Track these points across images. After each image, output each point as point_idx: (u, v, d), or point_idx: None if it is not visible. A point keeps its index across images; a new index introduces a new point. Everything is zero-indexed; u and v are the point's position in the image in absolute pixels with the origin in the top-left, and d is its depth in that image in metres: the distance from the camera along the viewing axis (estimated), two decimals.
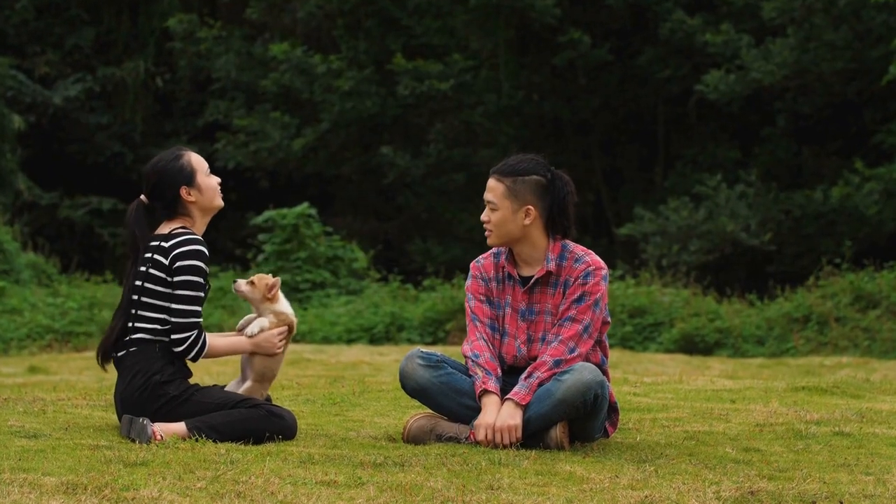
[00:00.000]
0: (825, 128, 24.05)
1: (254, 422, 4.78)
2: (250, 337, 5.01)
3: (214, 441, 4.68)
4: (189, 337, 4.81)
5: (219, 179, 5.00)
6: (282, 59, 25.07)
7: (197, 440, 4.65)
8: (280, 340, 5.05)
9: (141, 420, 4.68)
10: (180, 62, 26.64)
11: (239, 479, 4.03)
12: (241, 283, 5.11)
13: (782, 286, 17.68)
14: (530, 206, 4.96)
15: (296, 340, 16.26)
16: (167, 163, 4.92)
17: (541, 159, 5.04)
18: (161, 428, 4.68)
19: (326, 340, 16.47)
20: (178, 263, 4.79)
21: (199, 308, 4.82)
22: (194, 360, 4.87)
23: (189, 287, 4.79)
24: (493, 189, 5.00)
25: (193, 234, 4.87)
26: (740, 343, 15.62)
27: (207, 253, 4.86)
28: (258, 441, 4.76)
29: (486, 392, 4.89)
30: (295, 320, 5.15)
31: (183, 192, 4.89)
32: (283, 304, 5.12)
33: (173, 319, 4.80)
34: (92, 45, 26.56)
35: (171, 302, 4.80)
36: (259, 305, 5.09)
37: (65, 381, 10.14)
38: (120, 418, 4.89)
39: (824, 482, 4.28)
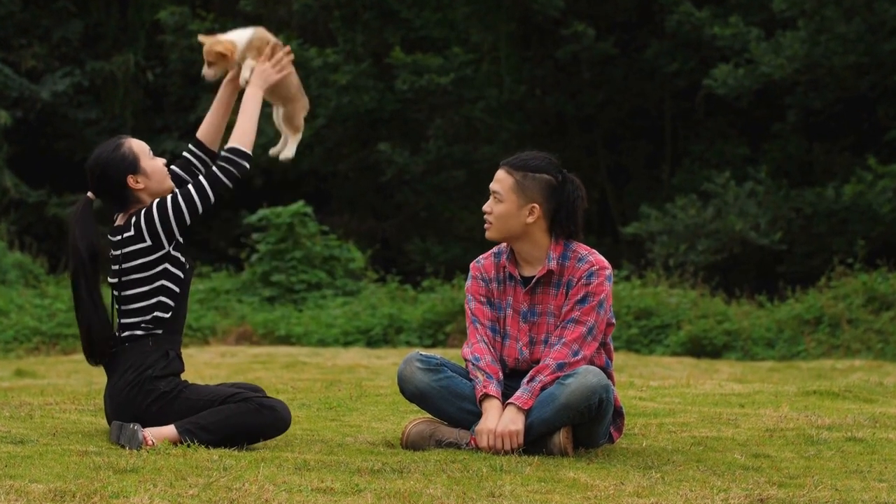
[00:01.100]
0: (837, 123, 24.05)
1: (246, 416, 4.76)
2: (247, 84, 4.98)
3: (206, 443, 4.68)
4: (226, 179, 4.85)
5: (164, 161, 4.97)
6: None
7: (189, 445, 4.65)
8: (274, 64, 5.03)
9: (131, 425, 4.68)
10: (172, 56, 26.64)
11: (232, 486, 4.03)
12: (206, 71, 5.05)
13: (793, 287, 17.69)
14: (536, 205, 4.97)
15: (291, 343, 16.27)
16: (108, 154, 4.90)
17: (554, 159, 5.05)
18: (152, 433, 4.68)
19: (322, 343, 16.47)
20: (153, 220, 4.76)
21: (191, 185, 4.81)
22: (249, 162, 4.91)
23: (175, 203, 4.77)
24: (502, 181, 5.01)
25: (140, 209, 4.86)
26: (749, 346, 15.62)
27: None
28: (252, 437, 4.76)
29: (486, 396, 4.90)
30: (260, 36, 5.04)
31: (130, 180, 4.88)
32: (238, 40, 5.02)
33: (214, 201, 4.79)
34: (80, 37, 26.56)
35: (179, 220, 4.76)
36: (230, 67, 5.02)
37: (52, 384, 10.14)
38: (109, 420, 4.89)
39: (836, 489, 4.28)
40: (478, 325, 5.06)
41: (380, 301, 17.98)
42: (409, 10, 25.65)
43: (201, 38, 5.08)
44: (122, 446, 4.67)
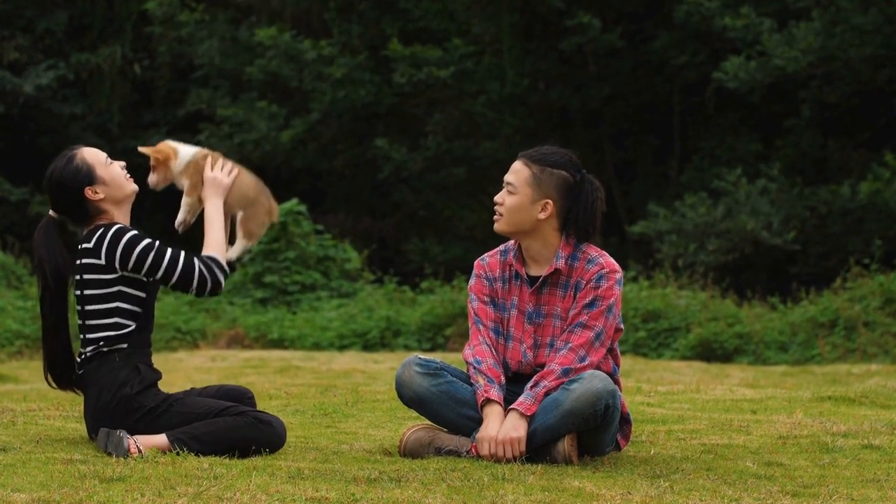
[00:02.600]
0: (853, 118, 24.06)
1: (240, 430, 4.78)
2: (182, 224, 5.03)
3: (198, 453, 4.68)
4: (197, 275, 4.81)
5: (123, 163, 4.96)
6: (269, 45, 25.07)
7: (178, 453, 4.65)
8: (220, 169, 5.03)
9: (118, 432, 4.68)
10: (160, 48, 26.64)
11: (223, 495, 4.03)
12: (151, 177, 5.05)
13: (807, 288, 17.69)
14: (549, 201, 4.97)
15: (284, 347, 16.28)
16: (61, 169, 4.88)
17: (574, 158, 5.05)
18: (140, 441, 4.68)
19: (317, 347, 16.47)
20: (117, 253, 4.77)
21: (170, 250, 4.81)
22: (226, 276, 4.88)
23: (146, 254, 4.78)
24: (518, 172, 5.01)
25: (105, 223, 4.85)
26: (762, 349, 15.62)
27: (127, 225, 4.85)
28: (245, 451, 4.76)
29: (488, 401, 4.90)
30: (202, 153, 5.05)
31: (88, 192, 4.87)
32: (182, 155, 5.04)
33: (171, 285, 4.80)
34: (65, 29, 26.56)
35: (149, 279, 4.79)
36: (176, 178, 5.04)
37: (36, 390, 10.14)
38: (91, 436, 4.90)
39: (852, 499, 4.28)
40: (480, 327, 5.06)
41: (377, 303, 17.99)
42: (408, 0, 25.67)
43: (141, 149, 5.08)
44: (109, 454, 4.67)
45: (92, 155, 4.92)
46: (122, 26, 26.83)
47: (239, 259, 5.15)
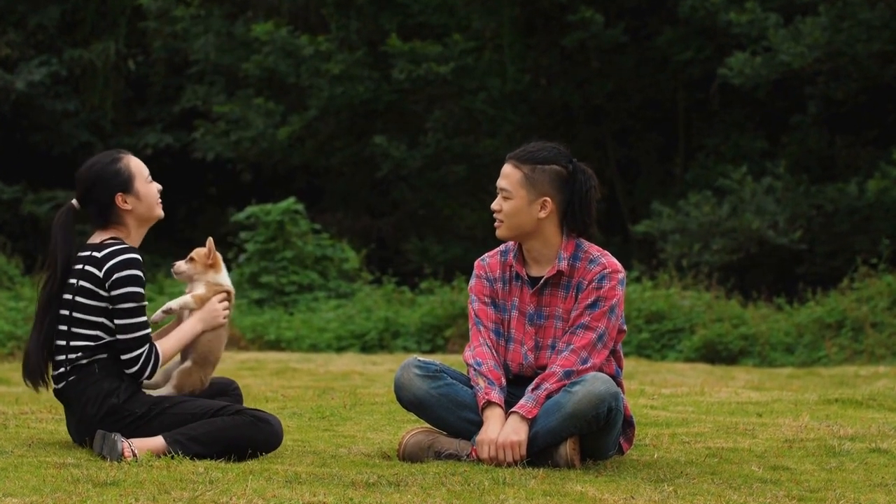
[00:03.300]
0: (860, 115, 24.05)
1: (239, 429, 4.78)
2: (167, 313, 5.06)
3: (193, 456, 4.68)
4: (141, 354, 4.82)
5: (160, 187, 5.01)
6: (265, 41, 25.06)
7: (173, 457, 4.65)
8: (224, 308, 5.08)
9: (113, 435, 4.68)
10: (154, 43, 26.63)
11: (219, 499, 4.03)
12: (181, 264, 5.15)
13: (813, 289, 17.69)
14: (547, 198, 4.97)
15: (281, 349, 16.28)
16: (103, 166, 4.92)
17: (563, 149, 5.05)
18: (136, 444, 4.68)
19: (314, 348, 16.48)
20: (115, 275, 4.79)
21: (144, 318, 4.84)
22: (150, 376, 4.87)
23: (131, 299, 4.81)
24: (509, 176, 5.01)
25: (126, 244, 4.88)
26: (767, 351, 15.62)
27: (141, 262, 4.87)
28: (243, 451, 4.76)
29: (489, 404, 4.90)
30: (233, 290, 5.19)
31: (118, 198, 4.90)
32: (223, 275, 5.17)
33: (120, 337, 4.81)
34: (57, 24, 26.54)
35: (112, 317, 4.81)
36: (200, 278, 5.12)
37: (28, 392, 10.12)
38: (78, 444, 4.90)
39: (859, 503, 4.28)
40: (481, 328, 5.06)
41: (375, 304, 17.99)
42: None
43: (210, 242, 5.16)
44: (104, 457, 4.67)
45: (136, 166, 4.96)
46: (115, 21, 26.81)
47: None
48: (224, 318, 5.08)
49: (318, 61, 24.97)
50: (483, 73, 25.15)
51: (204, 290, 5.11)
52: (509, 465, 4.79)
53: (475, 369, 4.98)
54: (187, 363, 5.06)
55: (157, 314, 5.08)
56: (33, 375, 4.91)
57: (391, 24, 25.38)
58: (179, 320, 5.09)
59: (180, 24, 26.01)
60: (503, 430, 4.83)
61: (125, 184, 4.90)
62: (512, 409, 4.87)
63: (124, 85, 27.13)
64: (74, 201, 4.96)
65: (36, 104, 25.66)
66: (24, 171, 25.70)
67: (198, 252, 5.14)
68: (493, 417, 4.87)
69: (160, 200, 5.00)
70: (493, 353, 5.01)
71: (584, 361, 4.89)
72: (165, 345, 4.94)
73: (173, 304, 5.09)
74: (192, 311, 5.08)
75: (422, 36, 25.21)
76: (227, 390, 5.13)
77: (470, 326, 5.10)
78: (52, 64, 25.67)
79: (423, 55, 24.40)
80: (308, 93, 25.37)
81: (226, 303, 5.10)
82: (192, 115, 26.40)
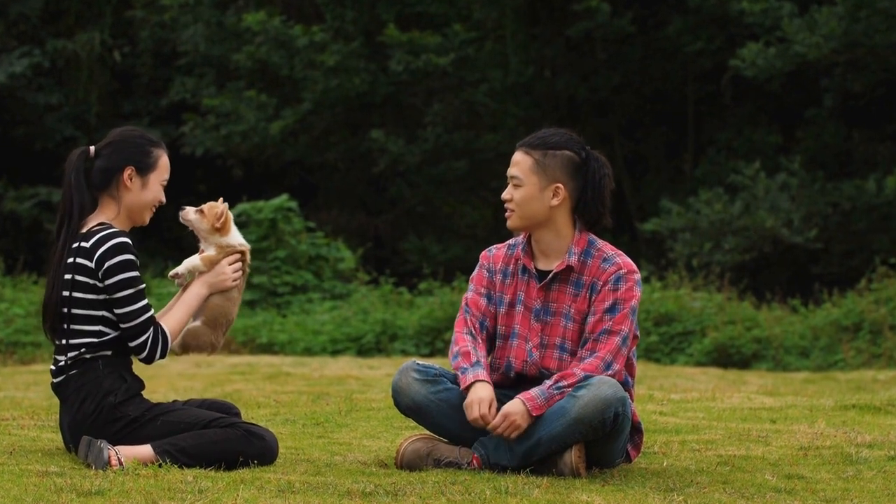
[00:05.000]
0: (878, 108, 24.06)
1: (230, 443, 4.78)
2: (176, 277, 5.08)
3: (182, 466, 4.68)
4: (148, 338, 4.84)
5: (164, 200, 5.03)
6: (257, 31, 25.07)
7: (161, 465, 4.65)
8: (234, 272, 5.08)
9: (99, 442, 4.68)
10: (141, 33, 26.64)
11: None
12: (190, 211, 5.16)
13: (830, 290, 17.70)
14: (560, 185, 4.96)
15: (274, 352, 16.28)
16: (138, 136, 5.00)
17: (574, 135, 5.05)
18: (123, 452, 4.68)
19: (308, 352, 16.48)
20: (107, 263, 4.80)
21: (145, 302, 4.86)
22: (162, 357, 4.90)
23: (127, 285, 4.82)
24: (520, 163, 5.01)
25: (114, 228, 4.89)
26: (781, 355, 15.63)
27: (131, 244, 4.87)
28: (232, 465, 4.76)
29: (476, 382, 4.86)
30: (247, 247, 5.19)
31: (127, 171, 4.93)
32: (234, 235, 5.17)
33: (123, 325, 4.83)
34: (40, 14, 26.54)
35: (112, 307, 4.82)
36: (207, 238, 5.14)
37: (9, 397, 10.15)
38: (67, 447, 4.90)
39: None
40: (468, 316, 5.05)
41: (372, 305, 17.99)
42: None
43: (221, 206, 5.16)
44: (89, 465, 4.67)
45: (164, 163, 5.02)
46: (100, 11, 26.80)
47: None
48: (233, 280, 5.09)
49: (313, 52, 24.97)
50: (484, 64, 25.16)
51: (214, 252, 5.12)
52: (502, 434, 4.76)
53: (455, 356, 4.94)
54: (196, 323, 5.09)
55: (176, 278, 5.10)
56: (53, 329, 4.92)
57: (388, 14, 25.39)
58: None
59: (168, 14, 26.02)
60: (508, 404, 4.79)
61: (144, 164, 4.95)
62: (519, 396, 4.82)
63: (110, 77, 27.13)
64: (92, 147, 4.99)
65: (17, 97, 25.66)
66: (4, 166, 25.70)
67: (210, 206, 5.15)
68: (482, 386, 4.83)
69: (154, 209, 5.01)
70: (473, 340, 4.98)
71: (608, 367, 4.86)
72: (171, 320, 4.97)
73: (181, 268, 5.11)
74: (200, 273, 5.10)
75: (420, 26, 25.22)
76: (228, 414, 5.12)
77: (458, 314, 5.09)
78: (35, 55, 25.66)
79: (422, 46, 24.41)
80: (302, 85, 25.37)
81: (238, 265, 5.11)
82: (180, 109, 26.40)
